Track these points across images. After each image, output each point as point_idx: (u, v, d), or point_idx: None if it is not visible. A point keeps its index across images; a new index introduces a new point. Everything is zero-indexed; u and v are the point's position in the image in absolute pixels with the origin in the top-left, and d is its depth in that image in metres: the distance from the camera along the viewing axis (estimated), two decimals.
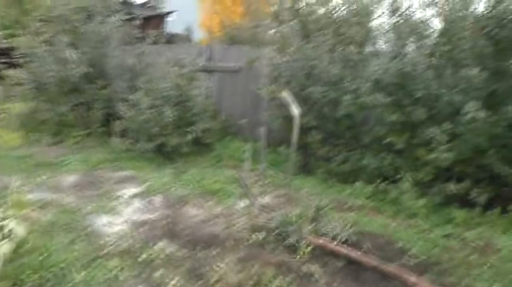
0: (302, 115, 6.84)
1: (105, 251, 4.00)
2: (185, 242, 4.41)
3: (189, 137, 7.03)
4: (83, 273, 3.53)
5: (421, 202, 5.70)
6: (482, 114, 5.21)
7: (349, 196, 6.20)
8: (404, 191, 5.84)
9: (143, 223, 4.85)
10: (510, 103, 5.37)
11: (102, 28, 8.05)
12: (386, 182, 6.18)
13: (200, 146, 7.70)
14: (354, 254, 4.28)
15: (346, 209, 5.84)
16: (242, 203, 5.50)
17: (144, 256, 4.00)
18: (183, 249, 4.25)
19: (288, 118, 7.01)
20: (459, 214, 5.67)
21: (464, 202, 5.95)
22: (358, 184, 6.36)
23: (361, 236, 4.87)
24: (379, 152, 6.44)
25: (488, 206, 5.67)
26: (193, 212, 5.30)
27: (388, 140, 6.19)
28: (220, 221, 5.05)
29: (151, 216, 5.07)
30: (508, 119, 5.42)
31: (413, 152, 6.12)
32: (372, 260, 4.13)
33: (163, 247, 4.23)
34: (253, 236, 4.64)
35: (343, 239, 4.59)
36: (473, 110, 5.23)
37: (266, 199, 5.69)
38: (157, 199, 5.64)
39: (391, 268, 3.99)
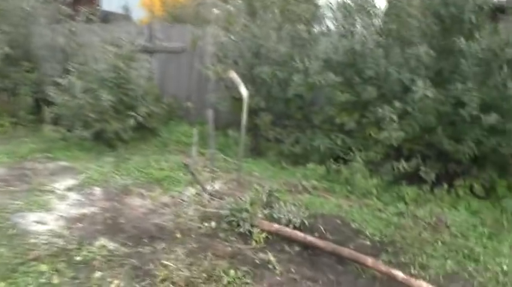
0: (251, 96, 6.55)
1: (35, 253, 3.52)
2: (129, 237, 4.02)
3: (131, 122, 6.53)
4: (2, 284, 3.03)
5: (373, 181, 5.65)
6: (431, 92, 5.18)
7: (301, 177, 6.03)
8: (356, 171, 5.76)
9: (81, 218, 4.39)
10: (456, 81, 5.38)
11: (25, 3, 7.22)
12: (339, 162, 6.06)
13: (144, 132, 7.21)
14: (310, 238, 4.11)
15: (299, 192, 5.68)
16: (191, 191, 5.16)
17: (81, 255, 3.57)
18: (126, 245, 3.86)
19: (237, 99, 6.70)
20: (410, 191, 5.67)
21: (414, 179, 5.97)
22: (310, 165, 6.21)
23: (316, 219, 4.73)
24: (330, 132, 6.32)
25: (436, 182, 5.72)
26: (138, 203, 4.90)
27: (338, 120, 6.05)
28: (168, 211, 4.70)
29: (90, 210, 4.60)
30: (454, 97, 5.44)
31: (364, 132, 6.05)
32: (328, 245, 3.98)
33: (104, 244, 3.82)
34: (203, 225, 4.35)
35: (298, 224, 4.41)
36: (422, 88, 5.19)
37: (216, 185, 5.39)
38: (97, 191, 5.16)
39: (347, 251, 3.85)
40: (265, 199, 4.87)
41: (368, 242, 4.39)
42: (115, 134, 6.45)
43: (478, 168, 5.77)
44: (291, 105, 6.74)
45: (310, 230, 4.46)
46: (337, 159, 6.18)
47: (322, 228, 4.54)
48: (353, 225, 4.75)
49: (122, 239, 3.97)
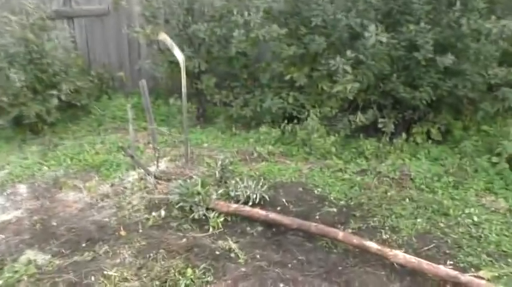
0: (189, 58, 5.88)
1: None
2: (63, 244, 3.42)
3: (54, 102, 5.67)
4: None
5: (331, 139, 5.29)
6: (383, 37, 4.76)
7: (255, 143, 5.58)
8: (312, 130, 5.36)
9: (3, 227, 3.69)
10: (408, 22, 4.99)
11: None
12: (293, 122, 5.64)
13: (73, 111, 6.38)
14: (272, 216, 3.69)
15: (255, 160, 5.23)
16: (133, 176, 4.55)
17: (2, 279, 2.94)
18: (59, 255, 3.27)
19: (174, 63, 6.01)
20: (369, 145, 5.39)
21: (370, 131, 5.72)
22: (262, 129, 5.74)
23: (276, 190, 4.34)
24: (280, 90, 5.84)
25: (395, 132, 5.47)
26: (72, 198, 4.24)
27: (288, 76, 5.55)
28: (108, 203, 4.09)
29: (13, 215, 3.90)
30: (406, 39, 5.07)
31: (316, 86, 5.61)
32: (293, 221, 3.59)
33: (32, 257, 3.21)
34: (151, 216, 3.81)
35: (258, 199, 3.97)
36: (374, 33, 4.75)
37: (162, 165, 4.80)
38: (22, 189, 4.43)
39: (314, 226, 3.48)
40: (218, 175, 4.37)
41: (334, 209, 4.06)
42: (37, 117, 5.58)
43: (434, 113, 5.57)
44: (234, 64, 6.13)
45: (271, 204, 4.06)
46: (291, 119, 5.76)
47: (284, 200, 4.16)
48: (316, 191, 4.40)
49: (55, 248, 3.37)
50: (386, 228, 3.75)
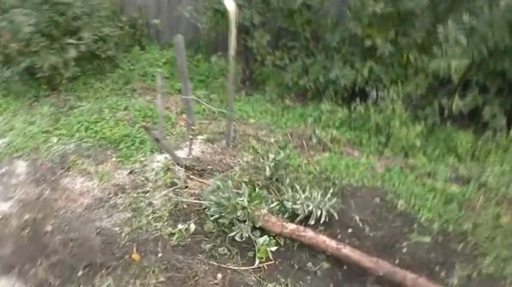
0: (239, 7, 4.61)
1: None
2: (53, 267, 2.47)
3: (72, 52, 4.63)
4: None
5: (416, 128, 4.02)
6: None
7: (314, 124, 4.41)
8: (391, 115, 4.10)
9: None
10: None
11: None
12: (365, 101, 4.39)
13: (96, 64, 5.34)
14: (347, 251, 2.58)
15: (313, 148, 4.08)
16: (159, 161, 3.51)
17: None
18: None
19: (221, 13, 4.80)
20: (463, 139, 4.09)
21: (464, 121, 4.40)
22: (324, 105, 4.52)
23: (346, 200, 3.22)
24: (352, 57, 4.53)
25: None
26: (79, 187, 3.28)
27: (367, 40, 4.23)
28: (123, 201, 3.11)
29: (1, 208, 2.98)
30: None
31: (401, 57, 4.28)
32: (376, 265, 2.46)
33: None
34: (177, 229, 2.78)
35: (323, 217, 2.86)
36: None
37: (196, 148, 3.73)
38: (20, 168, 3.50)
39: (412, 279, 2.34)
40: (268, 172, 3.26)
41: (427, 239, 2.91)
42: (52, 70, 4.58)
43: None
44: (296, 19, 4.81)
45: (340, 224, 2.95)
46: (363, 96, 4.50)
47: (357, 219, 3.03)
48: (399, 205, 3.24)
49: (42, 273, 2.41)
50: (508, 280, 2.58)
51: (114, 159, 3.66)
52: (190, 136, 3.48)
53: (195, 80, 5.37)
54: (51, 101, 4.65)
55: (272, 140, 4.11)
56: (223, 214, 2.69)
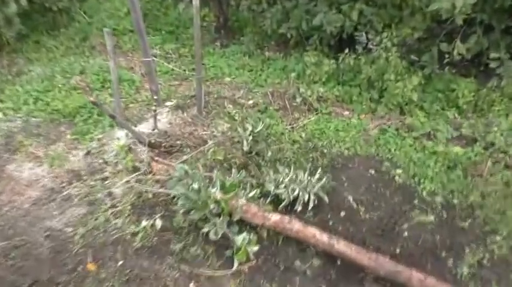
0: None
1: None
2: None
3: (13, 7, 3.93)
4: None
5: (412, 81, 3.54)
6: None
7: (297, 80, 3.89)
8: (384, 66, 3.61)
9: None
10: None
11: None
12: (354, 50, 3.87)
13: (49, 18, 4.63)
14: (341, 247, 2.21)
15: (298, 108, 3.60)
16: (119, 140, 3.01)
17: None
18: None
19: None
20: (465, 89, 3.66)
21: (465, 68, 3.96)
22: (309, 57, 3.97)
23: (336, 175, 2.83)
24: None
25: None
26: (27, 175, 2.81)
27: None
28: (78, 191, 2.65)
29: None
30: None
31: None
32: (376, 263, 2.10)
33: None
34: (141, 227, 2.36)
35: (311, 202, 2.46)
36: None
37: (163, 119, 3.23)
38: None
39: (419, 280, 1.99)
40: (247, 147, 2.80)
41: (431, 217, 2.55)
42: None
43: None
44: None
45: (331, 207, 2.56)
46: (351, 44, 3.96)
47: (350, 199, 2.63)
48: (397, 177, 2.85)
49: None
50: None
51: (68, 136, 3.15)
52: (154, 107, 2.95)
53: (164, 32, 4.74)
54: None
55: (251, 102, 3.61)
56: (193, 207, 2.26)
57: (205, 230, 2.27)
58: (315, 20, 3.90)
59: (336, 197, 2.61)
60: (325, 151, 3.08)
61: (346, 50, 3.80)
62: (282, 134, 3.24)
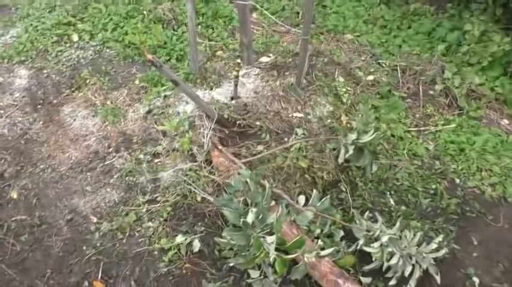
0: None
1: None
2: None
3: None
4: None
5: None
6: None
7: (446, 55, 2.80)
8: None
9: None
10: None
11: None
12: None
13: None
14: None
15: (435, 102, 2.59)
16: (190, 103, 2.38)
17: None
18: None
19: None
20: None
21: None
22: (471, 23, 2.78)
23: (466, 235, 1.89)
24: None
25: None
26: (76, 127, 2.40)
27: None
28: (120, 166, 2.15)
29: None
30: None
31: None
32: None
33: None
34: (173, 243, 1.82)
35: (416, 276, 1.65)
36: None
37: (249, 83, 2.51)
38: (20, 79, 2.66)
39: None
40: (342, 158, 1.98)
41: None
42: None
43: None
44: None
45: None
46: None
47: (476, 282, 1.74)
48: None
49: None
50: None
51: (137, 82, 2.61)
52: (236, 70, 2.21)
53: None
54: None
55: (370, 78, 2.66)
56: (237, 252, 1.60)
57: (249, 280, 1.62)
58: None
59: (452, 274, 1.74)
60: (458, 181, 2.11)
61: None
62: (401, 139, 2.31)
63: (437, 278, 1.67)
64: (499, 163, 2.22)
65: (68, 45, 2.86)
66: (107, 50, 2.85)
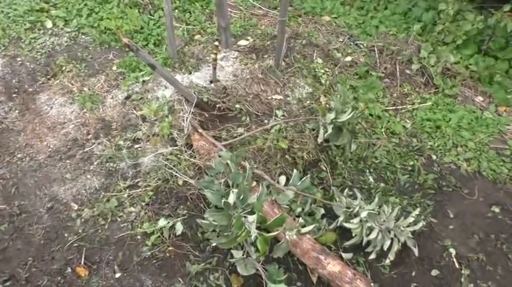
0: None
1: None
2: None
3: None
4: None
5: None
6: None
7: (422, 34, 2.84)
8: None
9: None
10: None
11: None
12: None
13: None
14: None
15: (412, 81, 2.63)
16: (167, 87, 2.37)
17: None
18: None
19: None
20: None
21: None
22: (445, 2, 2.82)
23: (443, 208, 1.96)
24: None
25: None
26: (53, 115, 2.36)
27: None
28: (99, 153, 2.13)
29: None
30: None
31: None
32: None
33: None
34: (155, 227, 1.82)
35: (395, 249, 1.70)
36: None
37: (228, 67, 2.50)
38: None
39: None
40: (322, 138, 2.01)
41: None
42: None
43: None
44: None
45: (418, 260, 1.77)
46: None
47: (452, 253, 1.81)
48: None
49: None
50: None
51: (114, 68, 2.58)
52: (214, 53, 2.20)
53: None
54: None
55: (348, 59, 2.68)
56: (220, 233, 1.62)
57: (232, 260, 1.64)
58: None
59: (430, 246, 1.79)
60: (435, 157, 2.17)
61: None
62: (379, 118, 2.35)
63: (415, 251, 1.72)
64: (474, 139, 2.29)
65: (41, 32, 2.79)
66: (83, 37, 2.79)
